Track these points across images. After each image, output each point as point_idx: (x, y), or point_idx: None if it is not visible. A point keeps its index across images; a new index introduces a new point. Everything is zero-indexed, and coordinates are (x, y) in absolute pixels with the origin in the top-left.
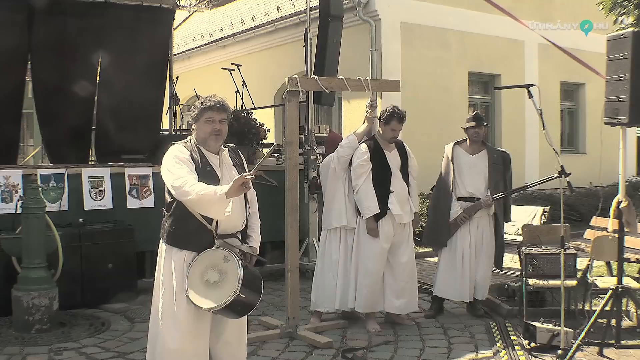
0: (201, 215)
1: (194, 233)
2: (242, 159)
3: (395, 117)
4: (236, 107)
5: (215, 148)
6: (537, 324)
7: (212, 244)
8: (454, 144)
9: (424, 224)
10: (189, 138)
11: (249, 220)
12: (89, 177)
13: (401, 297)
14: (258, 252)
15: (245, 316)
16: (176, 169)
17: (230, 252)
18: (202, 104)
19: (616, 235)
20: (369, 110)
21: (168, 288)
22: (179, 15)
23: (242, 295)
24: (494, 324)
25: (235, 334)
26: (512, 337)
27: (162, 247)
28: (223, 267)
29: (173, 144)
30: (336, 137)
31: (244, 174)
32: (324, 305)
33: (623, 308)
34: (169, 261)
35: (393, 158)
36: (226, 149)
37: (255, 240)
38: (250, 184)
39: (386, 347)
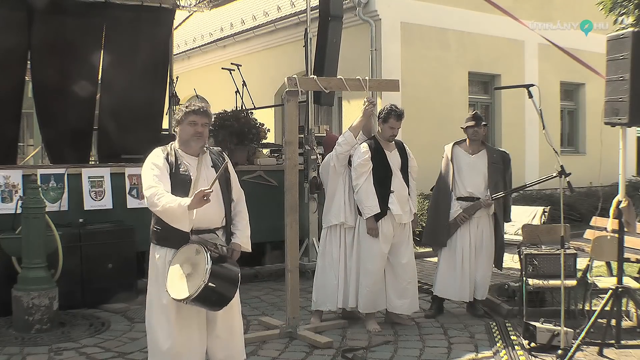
0: None
1: (172, 231)
2: (226, 160)
3: (392, 114)
4: (236, 107)
5: (196, 150)
6: (537, 324)
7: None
8: (454, 144)
9: (424, 224)
10: (171, 142)
11: (233, 219)
12: (89, 177)
13: (403, 297)
14: (248, 244)
15: (238, 311)
16: (149, 176)
17: (202, 245)
18: (186, 107)
19: (616, 235)
20: (367, 102)
21: (153, 285)
22: (179, 15)
23: (211, 284)
24: (494, 324)
25: (225, 328)
26: (512, 337)
27: (151, 246)
28: (195, 260)
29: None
30: (333, 138)
31: (203, 188)
32: (325, 304)
33: (623, 308)
34: (153, 259)
35: (393, 158)
36: (208, 151)
37: (239, 237)
38: (210, 198)
39: (386, 347)
